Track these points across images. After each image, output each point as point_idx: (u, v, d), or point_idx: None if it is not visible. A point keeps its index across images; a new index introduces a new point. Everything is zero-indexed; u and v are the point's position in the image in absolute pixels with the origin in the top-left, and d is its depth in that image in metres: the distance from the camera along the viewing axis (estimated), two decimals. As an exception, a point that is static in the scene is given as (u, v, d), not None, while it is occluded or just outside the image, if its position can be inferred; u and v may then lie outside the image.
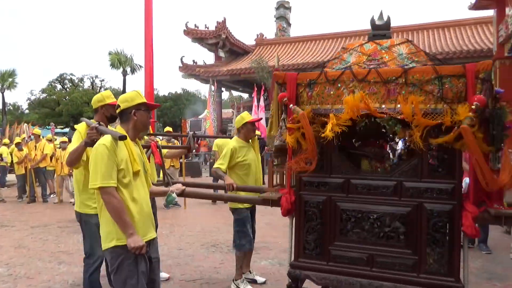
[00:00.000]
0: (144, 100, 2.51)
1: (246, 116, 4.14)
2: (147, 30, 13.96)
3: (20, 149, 10.18)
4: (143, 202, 2.43)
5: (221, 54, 21.68)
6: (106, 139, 2.34)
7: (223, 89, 23.05)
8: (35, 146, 10.03)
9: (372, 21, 2.82)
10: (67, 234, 6.46)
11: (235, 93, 28.09)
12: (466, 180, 2.64)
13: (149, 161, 3.66)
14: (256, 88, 16.81)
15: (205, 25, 20.94)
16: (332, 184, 2.58)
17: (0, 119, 34.32)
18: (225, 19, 20.61)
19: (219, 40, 20.72)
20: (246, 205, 3.94)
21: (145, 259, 2.35)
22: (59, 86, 42.67)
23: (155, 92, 30.14)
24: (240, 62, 21.64)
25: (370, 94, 2.37)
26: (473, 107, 2.11)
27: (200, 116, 23.70)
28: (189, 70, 21.12)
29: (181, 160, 9.04)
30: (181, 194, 2.96)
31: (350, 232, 2.51)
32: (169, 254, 5.22)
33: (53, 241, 5.98)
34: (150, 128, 4.11)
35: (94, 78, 43.94)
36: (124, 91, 37.74)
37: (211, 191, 6.69)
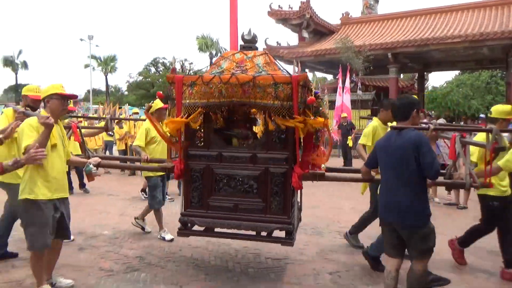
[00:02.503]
0: (57, 91, 3.28)
1: (158, 103, 5.01)
2: (232, 13, 14.33)
3: (121, 127, 11.23)
4: (54, 169, 3.23)
5: (305, 34, 21.39)
6: (31, 119, 3.18)
7: (306, 70, 22.79)
8: (134, 124, 10.99)
9: (242, 36, 3.85)
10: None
11: (318, 75, 27.63)
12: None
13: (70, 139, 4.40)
14: (341, 69, 16.35)
15: (289, 5, 20.80)
16: (209, 156, 3.59)
17: (104, 100, 37.98)
18: (309, -2, 20.23)
19: (303, 20, 20.43)
20: (158, 174, 5.02)
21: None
22: (153, 69, 45.83)
23: (240, 74, 30.84)
24: (324, 42, 21.15)
25: (232, 92, 3.36)
26: (311, 105, 3.39)
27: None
28: (273, 52, 21.17)
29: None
30: (98, 165, 3.80)
31: (222, 189, 3.56)
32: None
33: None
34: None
35: (183, 62, 46.34)
36: (210, 74, 39.13)
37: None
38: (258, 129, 4.58)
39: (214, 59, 40.76)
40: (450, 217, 6.34)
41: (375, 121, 4.56)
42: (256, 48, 3.79)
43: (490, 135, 3.23)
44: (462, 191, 7.13)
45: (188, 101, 3.46)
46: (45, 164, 3.17)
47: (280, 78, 3.29)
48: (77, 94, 3.96)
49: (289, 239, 3.51)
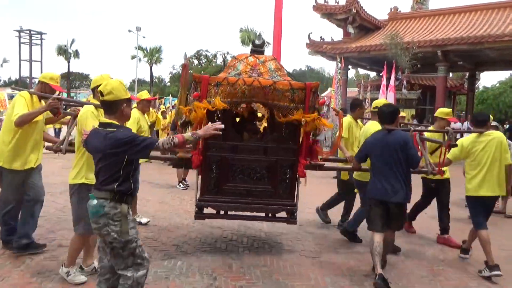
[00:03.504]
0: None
1: (144, 94, 5.48)
2: (277, 7, 14.19)
3: (164, 117, 11.51)
4: None
5: (350, 30, 20.86)
6: (91, 107, 3.44)
7: (350, 66, 22.29)
8: None
9: (253, 41, 4.54)
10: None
11: (361, 71, 26.94)
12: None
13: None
14: (386, 66, 15.85)
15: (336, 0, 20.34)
16: (226, 147, 3.99)
17: (148, 90, 39.14)
18: (357, -8, 19.68)
19: (349, 15, 19.91)
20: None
21: None
22: (195, 62, 46.61)
23: (281, 69, 30.71)
24: (370, 38, 20.55)
25: (254, 93, 3.86)
26: (320, 106, 4.06)
27: (323, 94, 23.45)
28: (316, 47, 20.90)
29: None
30: None
31: (237, 177, 4.01)
32: (289, 228, 5.42)
33: (188, 201, 6.72)
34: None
35: (225, 55, 46.80)
36: (252, 67, 39.17)
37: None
38: (260, 124, 5.19)
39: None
40: (497, 226, 6.00)
41: (349, 118, 5.23)
42: (264, 53, 4.37)
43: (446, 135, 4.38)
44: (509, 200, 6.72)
45: (213, 99, 3.84)
46: None
47: (296, 84, 3.92)
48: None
49: (293, 218, 4.18)
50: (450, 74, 22.40)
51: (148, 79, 49.03)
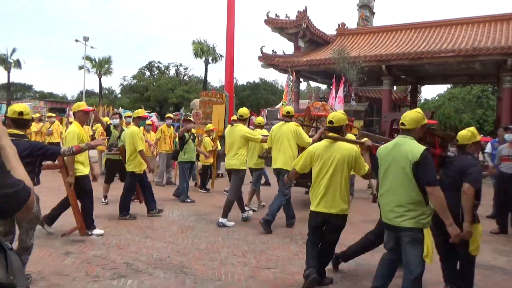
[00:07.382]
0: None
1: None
2: (229, 21, 14.34)
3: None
4: None
5: (301, 44, 21.51)
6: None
7: (301, 79, 22.91)
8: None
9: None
10: (151, 211, 6.97)
11: (313, 84, 27.74)
12: None
13: None
14: (335, 79, 16.45)
15: (286, 14, 20.91)
16: None
17: (97, 102, 37.75)
18: (306, 8, 20.36)
19: (300, 29, 20.55)
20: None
21: None
22: (147, 73, 45.72)
23: (234, 81, 30.92)
24: (320, 52, 21.29)
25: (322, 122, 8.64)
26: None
27: (276, 106, 23.86)
28: (268, 60, 21.29)
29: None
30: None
31: None
32: (245, 239, 5.41)
33: (140, 217, 6.50)
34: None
35: (178, 66, 46.38)
36: (205, 79, 39.18)
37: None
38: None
39: (209, 65, 40.17)
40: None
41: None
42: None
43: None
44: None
45: (314, 122, 8.47)
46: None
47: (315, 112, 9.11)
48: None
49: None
50: (395, 87, 23.70)
51: (97, 90, 47.36)
